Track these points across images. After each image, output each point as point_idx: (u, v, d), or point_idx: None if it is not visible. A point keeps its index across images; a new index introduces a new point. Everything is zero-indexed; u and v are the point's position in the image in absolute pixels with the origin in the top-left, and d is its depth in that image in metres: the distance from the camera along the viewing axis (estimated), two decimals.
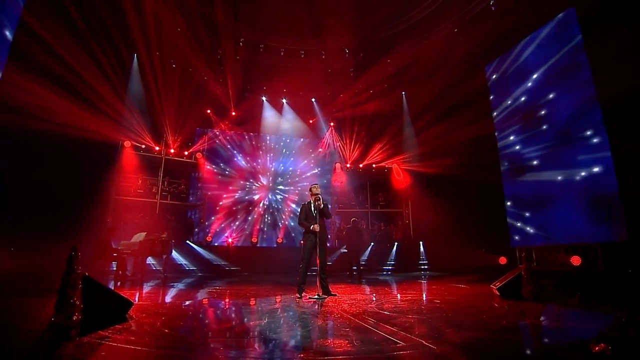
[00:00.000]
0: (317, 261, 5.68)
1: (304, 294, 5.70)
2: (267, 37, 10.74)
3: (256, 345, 2.98)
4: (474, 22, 9.54)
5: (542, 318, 3.88)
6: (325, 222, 6.10)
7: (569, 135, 8.44)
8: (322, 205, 5.84)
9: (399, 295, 6.24)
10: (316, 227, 5.72)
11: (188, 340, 3.25)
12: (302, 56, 11.18)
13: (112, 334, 3.22)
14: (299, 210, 6.20)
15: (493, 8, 8.94)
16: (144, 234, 8.54)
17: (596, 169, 7.78)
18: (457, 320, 3.63)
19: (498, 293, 5.16)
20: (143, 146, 12.31)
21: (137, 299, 5.43)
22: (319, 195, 5.88)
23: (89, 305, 3.74)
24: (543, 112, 9.14)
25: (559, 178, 8.64)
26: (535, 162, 9.33)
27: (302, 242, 5.99)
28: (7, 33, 7.76)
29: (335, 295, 5.77)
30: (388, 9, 9.70)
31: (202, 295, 6.33)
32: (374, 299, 5.55)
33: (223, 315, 4.49)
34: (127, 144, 11.83)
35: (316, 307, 4.82)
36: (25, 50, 7.79)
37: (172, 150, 12.96)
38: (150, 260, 9.97)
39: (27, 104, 7.85)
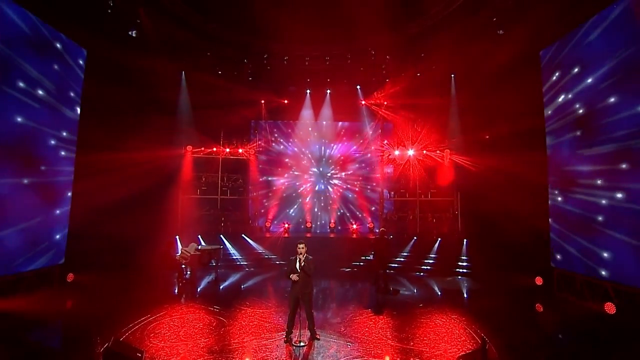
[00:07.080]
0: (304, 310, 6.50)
1: (291, 336, 6.61)
2: (289, 48, 10.57)
3: None
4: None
5: None
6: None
7: (631, 149, 6.87)
8: (303, 264, 6.44)
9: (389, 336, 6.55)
10: (295, 278, 6.42)
11: None
12: (327, 63, 10.77)
13: None
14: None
15: None
16: (194, 245, 10.40)
17: None
18: None
19: None
20: (202, 148, 14.00)
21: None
22: (300, 256, 6.45)
23: None
24: (602, 118, 7.47)
25: (613, 200, 7.27)
26: (587, 177, 7.92)
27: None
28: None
29: (318, 339, 6.56)
30: (414, 8, 8.50)
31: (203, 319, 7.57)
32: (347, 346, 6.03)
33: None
34: (188, 148, 13.65)
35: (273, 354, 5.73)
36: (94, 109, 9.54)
37: (227, 150, 14.39)
38: None
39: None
